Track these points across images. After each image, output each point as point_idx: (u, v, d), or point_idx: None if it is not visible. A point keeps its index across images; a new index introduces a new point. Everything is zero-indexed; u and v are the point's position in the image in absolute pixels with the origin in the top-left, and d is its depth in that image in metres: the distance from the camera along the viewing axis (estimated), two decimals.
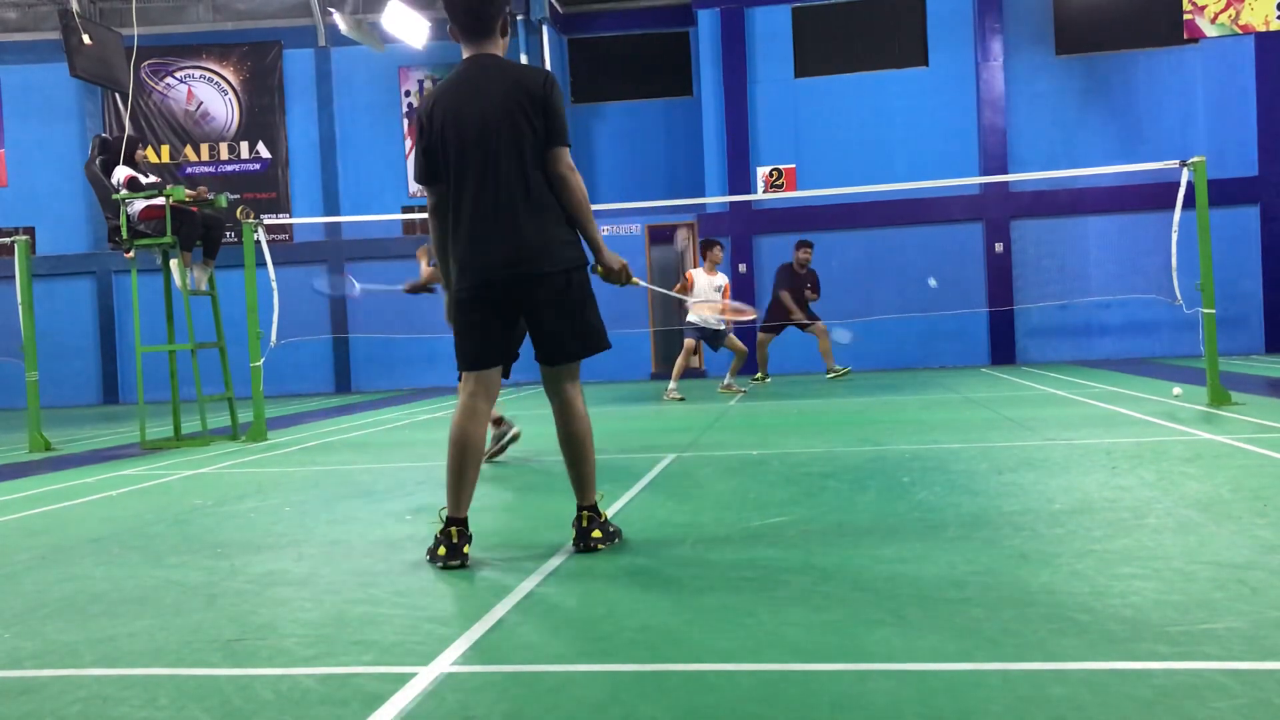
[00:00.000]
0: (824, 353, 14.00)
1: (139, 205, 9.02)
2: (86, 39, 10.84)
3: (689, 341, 12.67)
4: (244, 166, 19.49)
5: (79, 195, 18.87)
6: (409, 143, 19.11)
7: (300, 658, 2.73)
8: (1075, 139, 17.15)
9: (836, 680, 2.38)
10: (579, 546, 3.89)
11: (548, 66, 15.55)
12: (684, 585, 3.34)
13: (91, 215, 18.95)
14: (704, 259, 12.46)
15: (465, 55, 3.90)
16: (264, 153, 19.43)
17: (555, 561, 3.74)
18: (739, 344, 12.82)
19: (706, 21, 17.87)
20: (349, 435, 9.50)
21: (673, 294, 10.97)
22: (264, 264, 9.52)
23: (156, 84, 19.43)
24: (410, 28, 16.73)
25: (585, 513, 3.93)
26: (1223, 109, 16.83)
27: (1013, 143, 17.25)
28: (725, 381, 13.01)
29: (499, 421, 6.84)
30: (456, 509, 3.78)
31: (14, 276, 10.20)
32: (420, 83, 19.07)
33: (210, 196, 9.30)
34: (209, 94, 19.47)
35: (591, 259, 3.93)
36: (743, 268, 17.65)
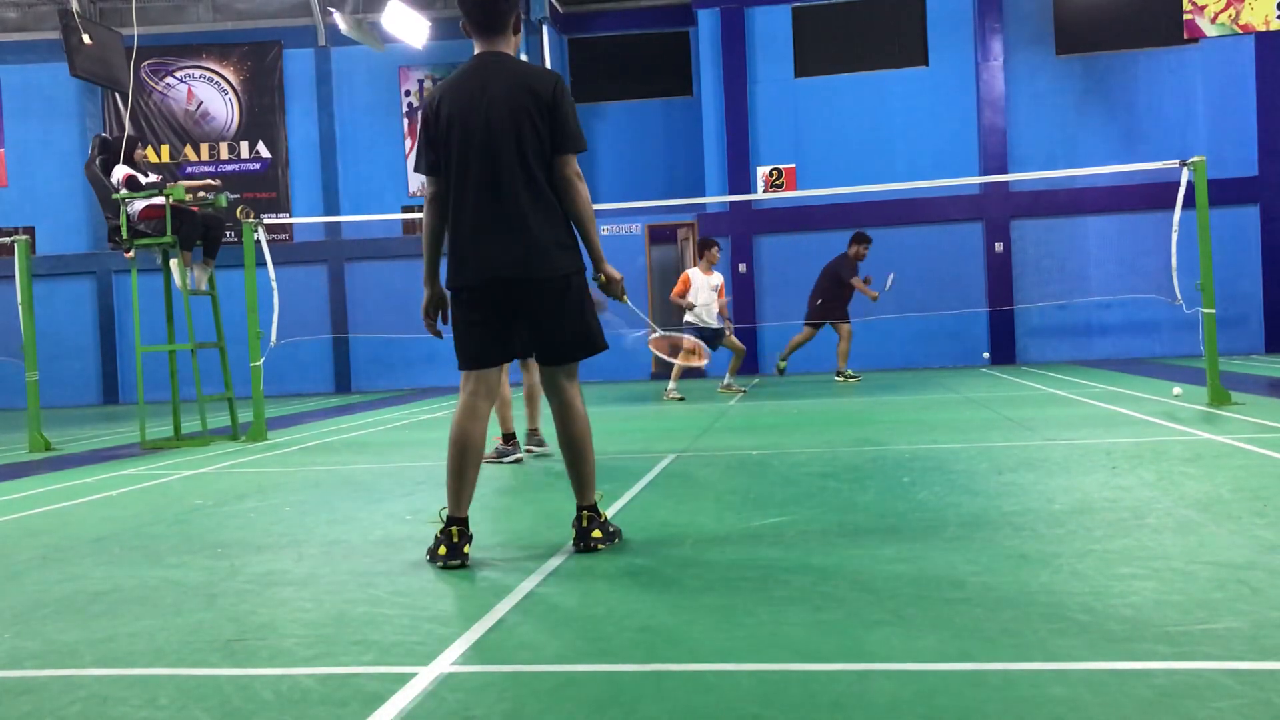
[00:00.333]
0: (841, 354, 13.87)
1: (139, 205, 9.02)
2: (86, 39, 10.84)
3: (689, 341, 12.66)
4: (244, 166, 19.49)
5: (79, 195, 18.87)
6: (409, 142, 19.12)
7: (300, 658, 2.72)
8: (1075, 139, 17.16)
9: (836, 680, 2.37)
10: (579, 546, 3.89)
11: (548, 66, 15.55)
12: (684, 585, 3.34)
13: (91, 215, 18.95)
14: (701, 258, 12.46)
15: (477, 51, 3.89)
16: (264, 152, 19.44)
17: (555, 561, 3.73)
18: (738, 343, 12.82)
19: (706, 21, 17.88)
20: (349, 435, 9.50)
21: (652, 324, 10.90)
22: (264, 264, 9.52)
23: (156, 84, 19.43)
24: (410, 27, 16.73)
25: (585, 513, 3.93)
26: (1223, 109, 16.83)
27: (1013, 143, 17.25)
28: (725, 381, 13.01)
29: (510, 438, 6.81)
30: (457, 508, 3.78)
31: (14, 276, 10.20)
32: (420, 82, 19.07)
33: (216, 191, 9.29)
34: (209, 94, 19.48)
35: (592, 267, 3.95)
36: (743, 267, 17.65)
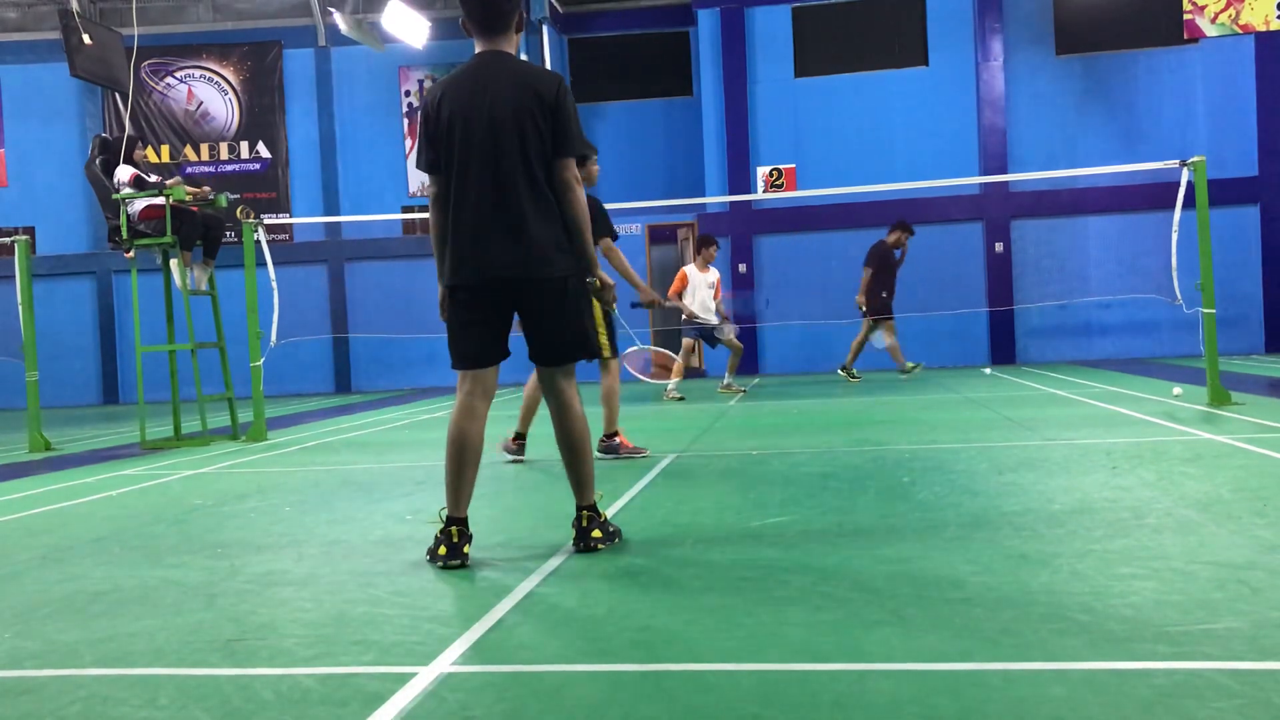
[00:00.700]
0: (855, 347, 13.77)
1: (139, 205, 9.02)
2: (86, 39, 10.84)
3: (687, 341, 12.68)
4: (244, 166, 19.49)
5: (79, 195, 18.87)
6: (409, 142, 19.12)
7: (300, 658, 2.72)
8: (1075, 139, 17.15)
9: (836, 680, 2.37)
10: (579, 546, 3.89)
11: (548, 66, 15.55)
12: (684, 585, 3.34)
13: (91, 215, 18.95)
14: (698, 254, 12.46)
15: (478, 50, 3.88)
16: (264, 152, 19.43)
17: (555, 561, 3.73)
18: (737, 342, 12.82)
19: (706, 21, 17.88)
20: (349, 435, 9.50)
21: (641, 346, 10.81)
22: (264, 264, 9.52)
23: (156, 84, 19.43)
24: (410, 27, 16.73)
25: (585, 513, 3.92)
26: (1223, 109, 16.83)
27: (1013, 143, 17.25)
28: (725, 381, 13.01)
29: (520, 437, 6.82)
30: (456, 508, 3.78)
31: (14, 276, 10.20)
32: (420, 82, 19.07)
33: (212, 196, 9.30)
34: (209, 94, 19.48)
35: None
36: (743, 267, 17.65)
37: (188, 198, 9.11)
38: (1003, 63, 17.21)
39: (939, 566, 3.40)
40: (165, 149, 19.44)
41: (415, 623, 3.01)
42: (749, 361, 16.67)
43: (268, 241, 9.75)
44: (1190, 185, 8.41)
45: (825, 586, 3.21)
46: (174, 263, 9.11)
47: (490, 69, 3.80)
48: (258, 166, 19.47)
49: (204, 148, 19.51)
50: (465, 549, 3.74)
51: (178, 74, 19.42)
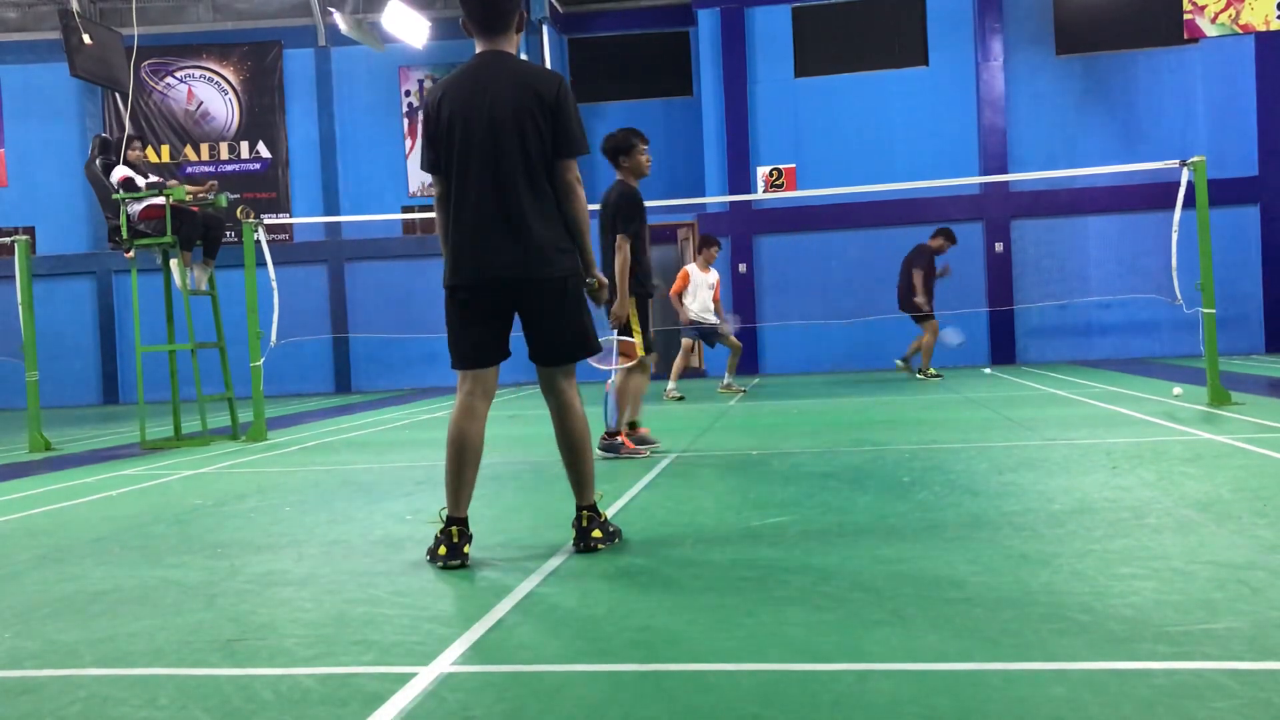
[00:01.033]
0: (919, 348, 13.39)
1: (139, 205, 9.02)
2: (86, 39, 10.85)
3: (686, 341, 12.69)
4: (244, 166, 19.49)
5: (79, 195, 18.86)
6: (409, 142, 19.12)
7: (300, 658, 2.72)
8: (1075, 139, 17.15)
9: (836, 680, 2.37)
10: (579, 546, 3.89)
11: (548, 66, 15.54)
12: (684, 585, 3.34)
13: (91, 215, 18.95)
14: (699, 254, 12.46)
15: (478, 49, 3.88)
16: (264, 153, 19.43)
17: (555, 561, 3.73)
18: (736, 341, 12.82)
19: (706, 21, 17.87)
20: (349, 435, 9.50)
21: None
22: (264, 264, 9.52)
23: (156, 84, 19.43)
24: (410, 27, 16.73)
25: (585, 513, 3.92)
26: (1223, 109, 16.83)
27: (1013, 143, 17.25)
28: (725, 381, 13.01)
29: (635, 426, 6.93)
30: (456, 508, 3.78)
31: (14, 276, 10.20)
32: (420, 82, 19.07)
33: (214, 195, 9.30)
34: (209, 94, 19.47)
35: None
36: (743, 267, 17.65)
37: (188, 198, 9.11)
38: (1003, 63, 17.20)
39: (939, 566, 3.40)
40: (165, 149, 19.43)
41: (415, 623, 3.01)
42: (749, 361, 16.67)
43: (268, 241, 9.75)
44: (1190, 185, 8.41)
45: (825, 586, 3.21)
46: (174, 263, 9.11)
47: (490, 69, 3.80)
48: (258, 166, 19.46)
49: (204, 148, 19.50)
50: (465, 549, 3.74)
51: (178, 74, 19.42)
